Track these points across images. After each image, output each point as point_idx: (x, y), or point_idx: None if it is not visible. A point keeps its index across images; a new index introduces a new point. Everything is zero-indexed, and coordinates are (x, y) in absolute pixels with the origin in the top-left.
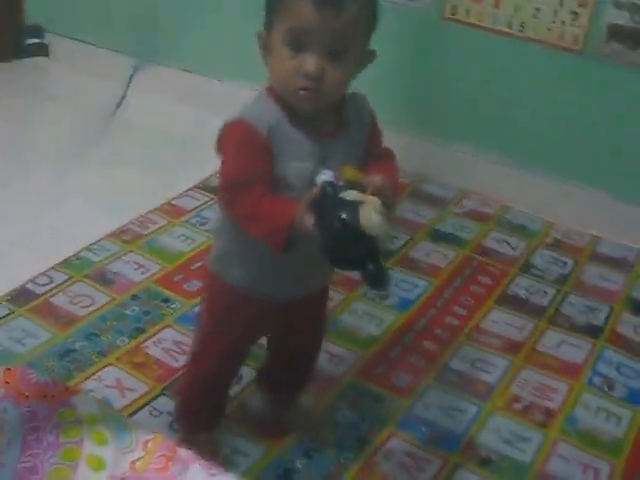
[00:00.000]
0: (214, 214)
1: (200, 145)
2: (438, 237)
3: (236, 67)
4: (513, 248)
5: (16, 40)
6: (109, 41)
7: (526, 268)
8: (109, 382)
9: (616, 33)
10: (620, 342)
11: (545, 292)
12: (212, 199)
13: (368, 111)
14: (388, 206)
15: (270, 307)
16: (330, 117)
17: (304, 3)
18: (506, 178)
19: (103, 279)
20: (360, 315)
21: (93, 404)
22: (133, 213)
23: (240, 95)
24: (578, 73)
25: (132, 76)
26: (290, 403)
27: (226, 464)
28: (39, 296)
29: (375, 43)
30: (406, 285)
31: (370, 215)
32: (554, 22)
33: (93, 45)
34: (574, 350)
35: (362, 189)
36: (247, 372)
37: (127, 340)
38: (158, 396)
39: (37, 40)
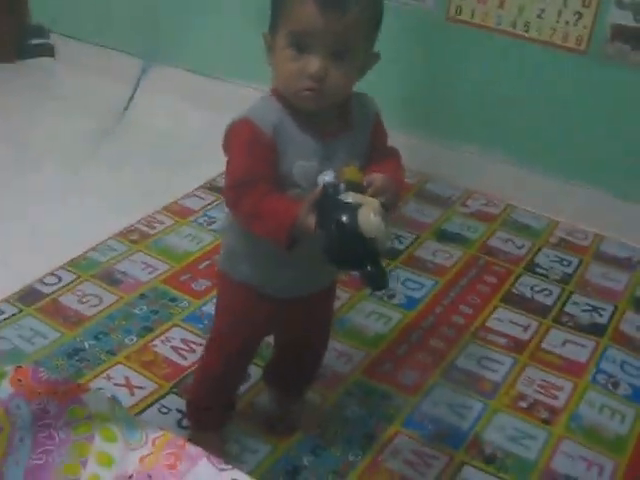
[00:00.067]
0: (221, 214)
1: (206, 145)
2: (444, 237)
3: (242, 67)
4: (518, 247)
5: (21, 41)
6: (114, 41)
7: (531, 267)
8: (118, 380)
9: (620, 33)
10: (624, 341)
11: (550, 291)
12: (219, 199)
13: (373, 111)
14: (389, 206)
15: (278, 304)
16: (334, 117)
17: (308, 5)
18: (511, 178)
19: (111, 279)
20: (367, 314)
21: (103, 401)
22: (140, 213)
23: (246, 95)
24: (582, 73)
25: (140, 77)
26: (297, 400)
27: (235, 460)
28: (47, 295)
29: (380, 43)
30: (412, 284)
31: (369, 217)
32: (558, 22)
33: (98, 45)
34: (578, 349)
35: (363, 189)
36: (255, 370)
37: (135, 339)
38: (167, 394)
39: (42, 41)
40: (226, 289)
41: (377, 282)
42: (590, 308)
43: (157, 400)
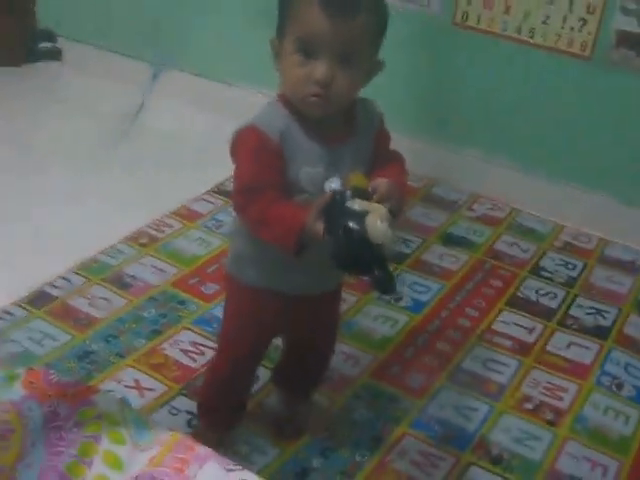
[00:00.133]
0: (229, 217)
1: (214, 149)
2: (450, 240)
3: (249, 72)
4: (523, 251)
5: (28, 44)
6: (119, 45)
7: (536, 271)
8: (128, 383)
9: (624, 39)
10: (628, 343)
11: (555, 294)
12: (227, 202)
13: (377, 115)
14: (394, 211)
15: (285, 306)
16: (340, 122)
17: (315, 11)
18: (516, 182)
19: (120, 282)
20: (374, 317)
21: (113, 402)
22: (149, 216)
23: (254, 100)
24: (587, 79)
25: (151, 82)
26: (304, 402)
27: (243, 461)
28: (57, 298)
29: (387, 49)
30: (419, 287)
31: (376, 224)
32: (563, 28)
33: (103, 49)
34: (583, 351)
35: (369, 196)
36: (264, 372)
37: (145, 342)
38: (176, 396)
39: (49, 44)
40: (234, 292)
41: (385, 286)
42: (594, 311)
43: (167, 402)
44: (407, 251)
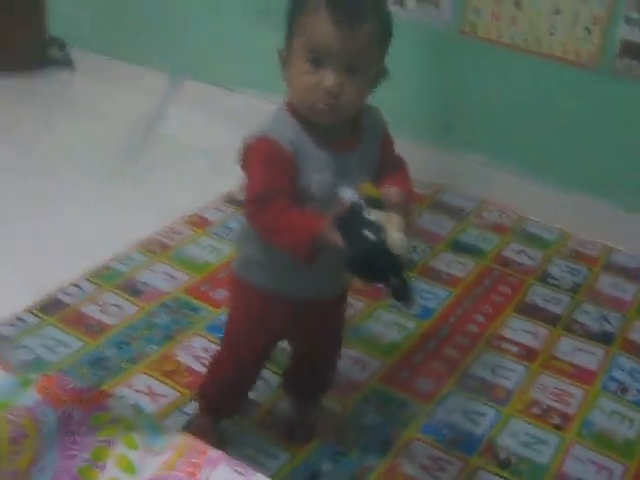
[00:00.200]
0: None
1: (226, 157)
2: (458, 248)
3: (263, 80)
4: (531, 258)
5: (39, 51)
6: (132, 54)
7: (543, 277)
8: (140, 389)
9: (628, 49)
10: (633, 349)
11: (561, 300)
12: (238, 211)
13: (381, 122)
14: (405, 218)
15: (294, 310)
16: (347, 130)
17: (324, 21)
18: (523, 190)
19: (132, 289)
20: (383, 323)
21: (127, 407)
22: (161, 224)
23: (266, 109)
24: (592, 88)
25: (169, 91)
26: (313, 406)
27: (254, 465)
28: (69, 305)
29: (395, 56)
30: (427, 294)
31: (394, 234)
32: (569, 38)
33: (116, 58)
34: (589, 356)
35: (381, 205)
36: (274, 378)
37: (157, 348)
38: (189, 402)
39: (61, 52)
40: (241, 294)
41: (403, 294)
42: (600, 317)
43: (179, 408)
44: (416, 258)
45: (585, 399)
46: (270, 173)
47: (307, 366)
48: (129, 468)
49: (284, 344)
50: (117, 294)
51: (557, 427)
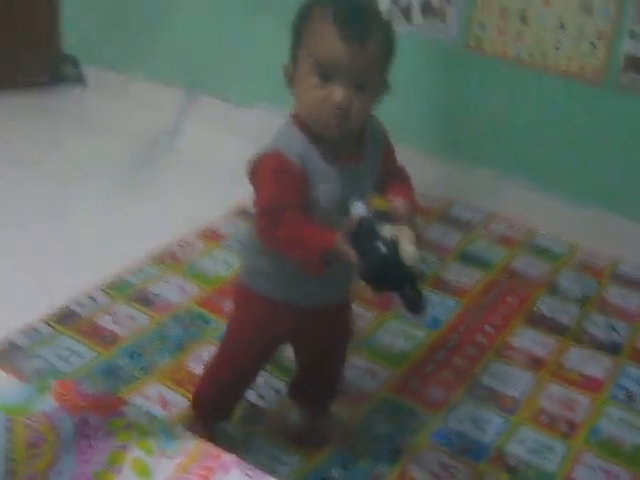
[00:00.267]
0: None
1: (239, 171)
2: (467, 259)
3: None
4: (539, 270)
5: (52, 68)
6: (144, 71)
7: (551, 288)
8: (152, 398)
9: (633, 64)
10: None
11: (569, 311)
12: (249, 224)
13: (382, 131)
14: (412, 229)
15: (301, 318)
16: (352, 143)
17: (332, 36)
18: (531, 203)
19: (145, 300)
20: (393, 333)
21: (142, 413)
22: (173, 237)
23: (278, 122)
24: (597, 102)
25: (184, 107)
26: (322, 414)
27: (265, 472)
28: (83, 316)
29: (402, 72)
30: (437, 305)
31: (407, 247)
32: (574, 53)
33: (128, 74)
34: (597, 366)
35: (390, 218)
36: (284, 386)
37: (169, 358)
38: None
39: (74, 69)
40: (247, 303)
41: (416, 304)
42: (608, 327)
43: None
44: (425, 269)
45: (593, 407)
46: (280, 186)
47: (314, 374)
48: (144, 472)
49: (289, 353)
50: (130, 305)
51: (565, 435)
